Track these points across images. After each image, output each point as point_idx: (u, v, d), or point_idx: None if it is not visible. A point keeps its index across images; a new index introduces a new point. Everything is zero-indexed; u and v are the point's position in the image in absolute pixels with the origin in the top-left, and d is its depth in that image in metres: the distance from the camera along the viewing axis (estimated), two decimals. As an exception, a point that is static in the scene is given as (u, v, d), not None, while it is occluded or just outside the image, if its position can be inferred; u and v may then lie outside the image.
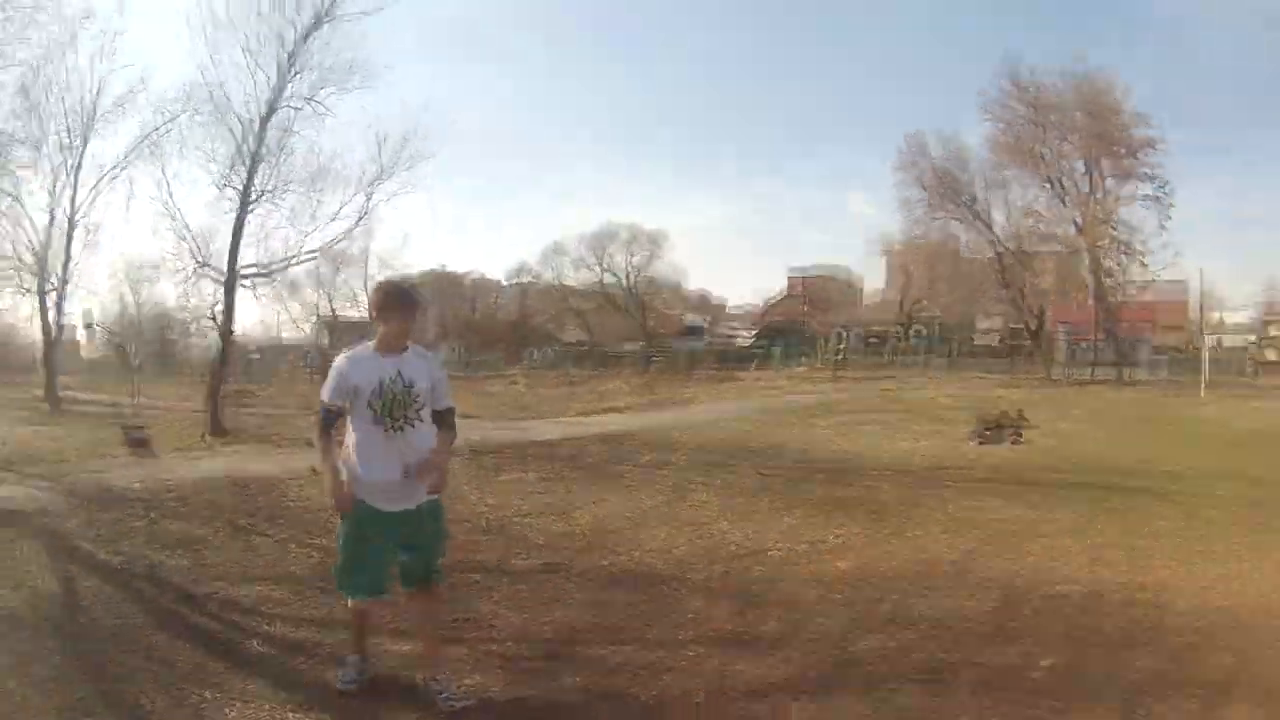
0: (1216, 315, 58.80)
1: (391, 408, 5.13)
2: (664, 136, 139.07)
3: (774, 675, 5.77)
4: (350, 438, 5.33)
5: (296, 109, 24.43)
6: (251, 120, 23.77)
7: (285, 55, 23.49)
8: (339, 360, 5.34)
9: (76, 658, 6.09)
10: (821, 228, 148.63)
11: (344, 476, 5.28)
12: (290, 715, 5.27)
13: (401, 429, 5.15)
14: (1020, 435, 17.17)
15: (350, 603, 5.64)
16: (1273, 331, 59.56)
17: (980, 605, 7.04)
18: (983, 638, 6.32)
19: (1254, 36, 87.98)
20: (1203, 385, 33.11)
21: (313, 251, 26.45)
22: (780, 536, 9.61)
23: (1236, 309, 64.03)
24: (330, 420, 5.28)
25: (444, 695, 5.32)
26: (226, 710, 5.33)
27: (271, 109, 23.73)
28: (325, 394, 5.27)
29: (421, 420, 5.19)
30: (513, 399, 33.63)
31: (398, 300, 5.30)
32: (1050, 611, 6.86)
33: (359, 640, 5.71)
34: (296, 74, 23.78)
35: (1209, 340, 44.20)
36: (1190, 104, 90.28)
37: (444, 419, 5.35)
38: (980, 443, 16.95)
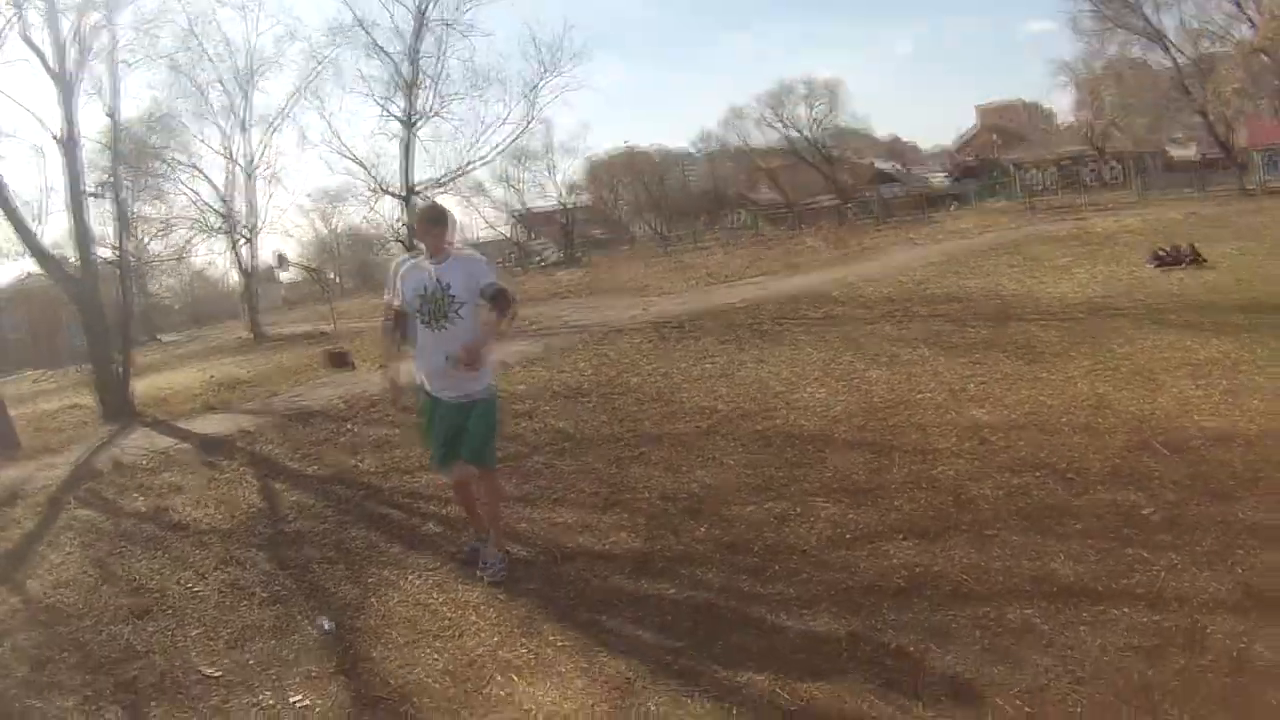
0: None
1: (433, 308, 5.84)
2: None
3: (887, 522, 6.16)
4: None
5: (447, 24, 25.24)
6: (401, 50, 24.81)
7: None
8: (394, 265, 6.26)
9: (278, 560, 7.08)
10: (1005, 58, 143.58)
11: (398, 379, 6.53)
12: (459, 585, 6.07)
13: (443, 326, 5.84)
14: (1192, 266, 16.78)
15: (450, 480, 6.43)
16: None
17: (1104, 450, 7.09)
18: (1098, 483, 6.42)
19: None
20: None
21: (483, 158, 27.57)
22: (927, 386, 9.83)
23: None
24: (389, 317, 6.24)
25: (485, 565, 6.10)
26: (404, 585, 6.20)
27: (418, 35, 24.60)
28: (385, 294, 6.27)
29: (461, 318, 5.82)
30: (705, 268, 34.01)
31: (427, 220, 6.03)
32: (1172, 456, 6.80)
33: (471, 516, 6.49)
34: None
35: None
36: None
37: (494, 299, 5.88)
38: (1155, 268, 16.82)
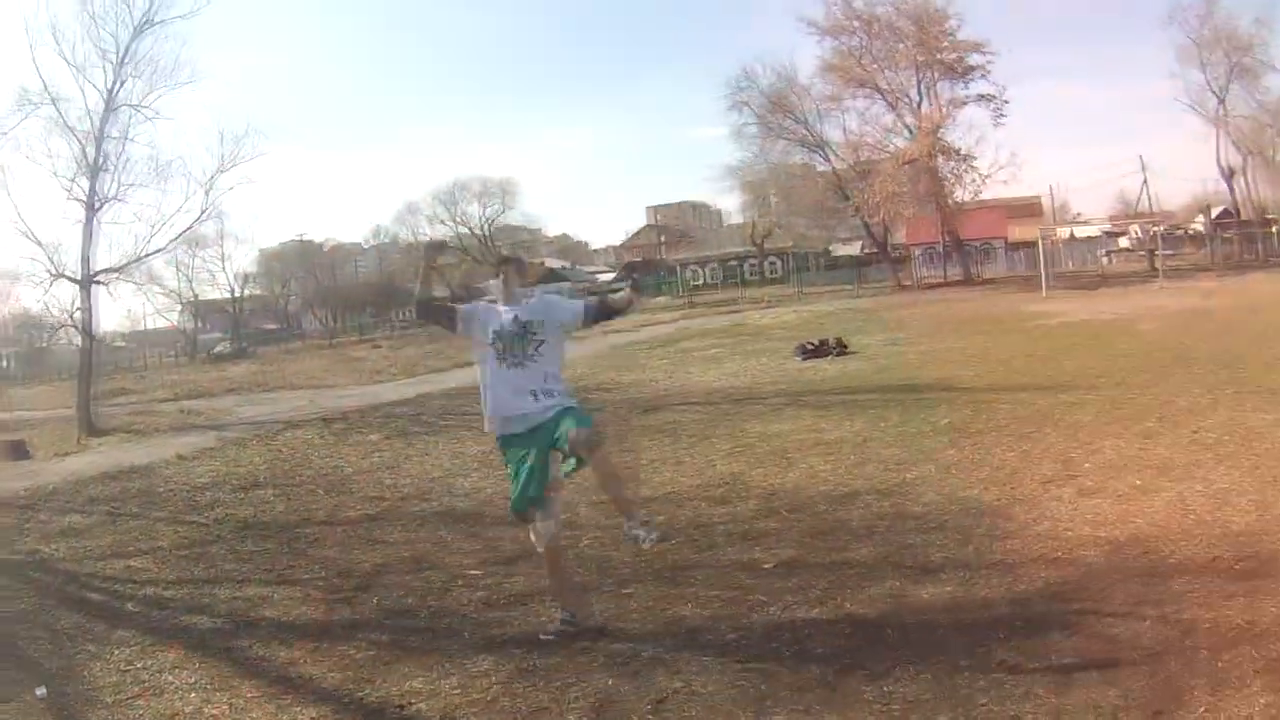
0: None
1: (508, 345, 5.85)
2: (504, 82, 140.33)
3: (536, 586, 6.69)
4: (481, 380, 6.05)
5: (134, 108, 24.78)
6: (88, 131, 24.13)
7: (112, 64, 23.96)
8: (479, 303, 6.40)
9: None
10: (673, 164, 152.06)
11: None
12: (160, 652, 6.34)
13: (522, 364, 5.83)
14: (838, 356, 18.59)
15: (540, 548, 6.07)
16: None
17: (734, 518, 8.12)
18: (726, 544, 7.40)
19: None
20: (1044, 282, 34.25)
21: (160, 249, 26.97)
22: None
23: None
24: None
25: (639, 537, 5.78)
26: (108, 656, 6.38)
27: (105, 118, 24.07)
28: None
29: (541, 354, 5.87)
30: (372, 364, 34.22)
31: (507, 265, 6.20)
32: (802, 514, 7.96)
33: (559, 588, 6.18)
34: (123, 82, 24.21)
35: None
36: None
37: (604, 303, 6.41)
38: (802, 360, 18.60)
